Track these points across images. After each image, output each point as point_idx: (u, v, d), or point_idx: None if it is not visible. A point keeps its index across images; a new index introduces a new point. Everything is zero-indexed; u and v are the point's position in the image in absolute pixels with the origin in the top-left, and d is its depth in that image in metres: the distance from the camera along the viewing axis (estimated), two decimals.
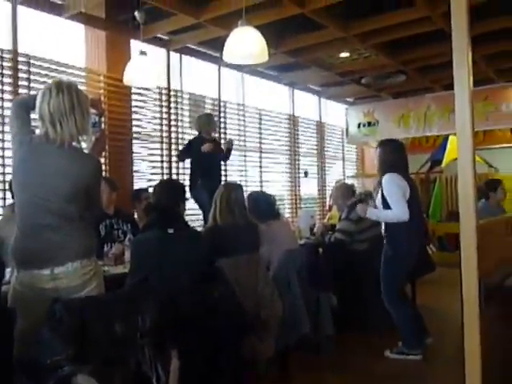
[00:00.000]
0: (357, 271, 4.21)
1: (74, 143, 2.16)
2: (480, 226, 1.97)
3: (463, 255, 1.91)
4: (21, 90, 4.73)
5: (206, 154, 4.91)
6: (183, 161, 5.57)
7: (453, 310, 3.26)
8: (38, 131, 2.22)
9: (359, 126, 8.58)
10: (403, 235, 3.63)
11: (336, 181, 7.71)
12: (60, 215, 2.13)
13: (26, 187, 2.14)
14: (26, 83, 4.76)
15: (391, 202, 3.62)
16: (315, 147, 8.80)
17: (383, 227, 3.78)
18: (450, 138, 7.92)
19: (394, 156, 3.76)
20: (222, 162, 5.42)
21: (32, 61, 4.82)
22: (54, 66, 4.98)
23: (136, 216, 4.38)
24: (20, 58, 4.73)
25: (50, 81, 2.61)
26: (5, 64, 4.64)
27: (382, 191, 3.70)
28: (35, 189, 2.12)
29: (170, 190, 2.94)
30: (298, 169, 8.20)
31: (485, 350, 1.89)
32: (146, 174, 5.76)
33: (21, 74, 4.74)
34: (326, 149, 9.02)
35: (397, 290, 3.71)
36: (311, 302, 3.55)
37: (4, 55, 4.65)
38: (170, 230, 2.72)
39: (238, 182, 3.94)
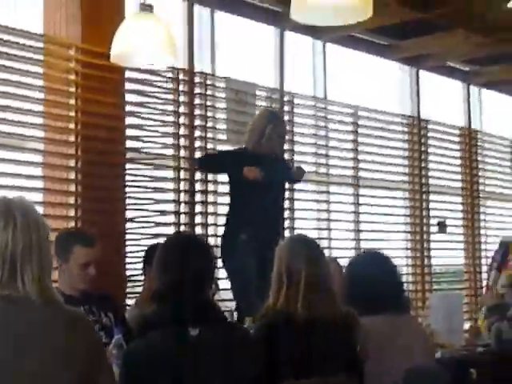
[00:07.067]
0: None
1: None
2: None
3: None
4: None
5: (255, 183, 3.77)
6: (209, 170, 4.21)
7: None
8: None
9: None
10: None
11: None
12: None
13: None
14: None
15: None
16: (459, 177, 6.60)
17: None
18: None
19: None
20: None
21: None
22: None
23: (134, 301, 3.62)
24: None
25: None
26: None
27: None
28: None
29: (189, 255, 2.23)
30: (428, 217, 6.20)
31: None
32: (148, 224, 4.16)
33: None
34: (479, 180, 6.71)
35: None
36: None
37: None
38: (193, 331, 2.12)
39: (316, 239, 3.42)
